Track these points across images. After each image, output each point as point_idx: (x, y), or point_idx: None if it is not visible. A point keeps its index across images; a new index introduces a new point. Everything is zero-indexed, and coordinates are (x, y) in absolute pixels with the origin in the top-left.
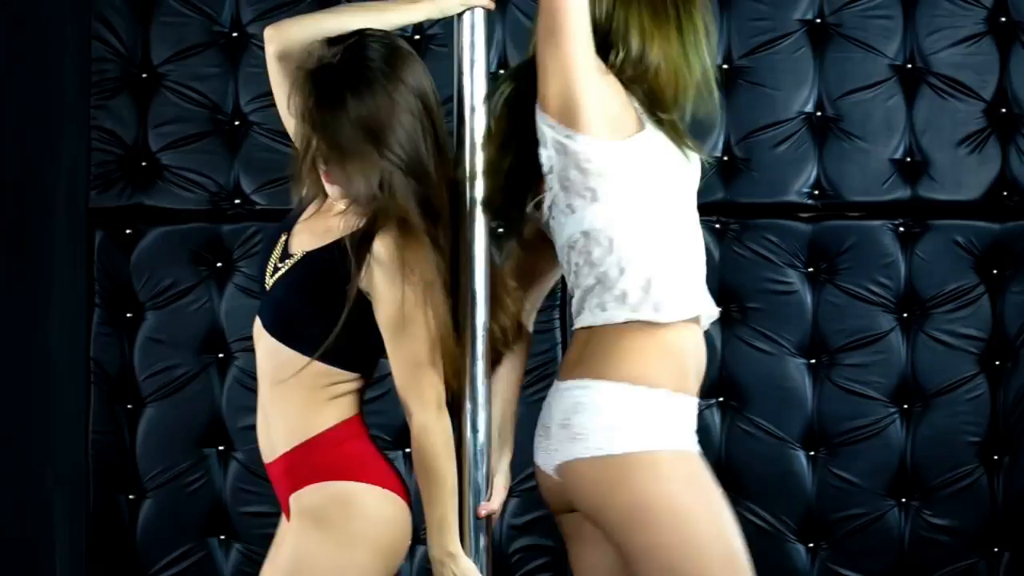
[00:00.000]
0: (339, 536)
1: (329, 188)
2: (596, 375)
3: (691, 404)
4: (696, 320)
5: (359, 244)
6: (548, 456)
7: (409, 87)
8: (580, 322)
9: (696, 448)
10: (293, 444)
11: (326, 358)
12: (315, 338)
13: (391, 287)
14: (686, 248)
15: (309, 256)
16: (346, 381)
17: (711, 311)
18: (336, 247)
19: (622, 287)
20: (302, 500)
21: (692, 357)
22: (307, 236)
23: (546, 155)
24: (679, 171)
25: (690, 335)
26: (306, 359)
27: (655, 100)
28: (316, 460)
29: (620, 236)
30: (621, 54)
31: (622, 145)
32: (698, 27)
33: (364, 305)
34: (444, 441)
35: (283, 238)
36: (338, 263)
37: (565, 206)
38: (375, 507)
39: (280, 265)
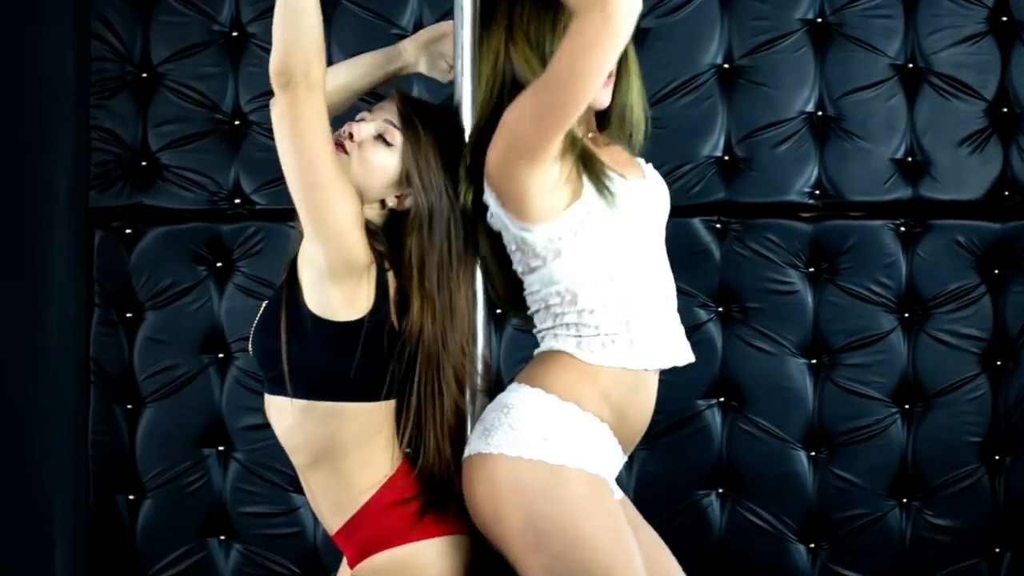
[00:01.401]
0: None
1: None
2: (522, 380)
3: (600, 430)
4: (646, 370)
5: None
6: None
7: None
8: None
9: (600, 472)
10: (342, 522)
11: (319, 392)
12: (293, 373)
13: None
14: (638, 299)
15: (271, 296)
16: (365, 424)
17: (667, 362)
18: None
19: (569, 332)
20: (363, 572)
21: (616, 395)
22: None
23: (492, 220)
24: (624, 224)
25: (620, 378)
26: (295, 401)
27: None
28: (367, 533)
29: (557, 301)
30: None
31: (555, 225)
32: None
33: (323, 326)
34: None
35: None
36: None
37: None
38: (435, 563)
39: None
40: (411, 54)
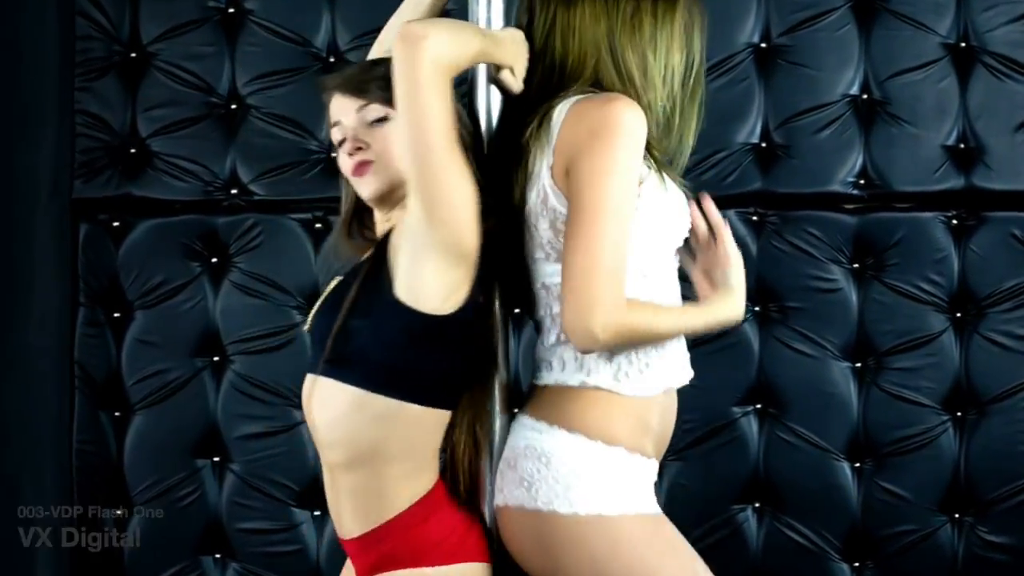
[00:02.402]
0: None
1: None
2: (553, 420)
3: (648, 466)
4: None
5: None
6: (496, 493)
7: None
8: (540, 379)
9: (656, 509)
10: (364, 530)
11: (383, 386)
12: (360, 358)
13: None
14: (664, 302)
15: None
16: (418, 432)
17: (681, 381)
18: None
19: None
20: None
21: (655, 422)
22: None
23: (532, 195)
24: (668, 218)
25: (655, 403)
26: (358, 391)
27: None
28: (391, 547)
29: None
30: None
31: None
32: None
33: (406, 315)
34: None
35: None
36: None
37: (531, 252)
38: None
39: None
40: None
